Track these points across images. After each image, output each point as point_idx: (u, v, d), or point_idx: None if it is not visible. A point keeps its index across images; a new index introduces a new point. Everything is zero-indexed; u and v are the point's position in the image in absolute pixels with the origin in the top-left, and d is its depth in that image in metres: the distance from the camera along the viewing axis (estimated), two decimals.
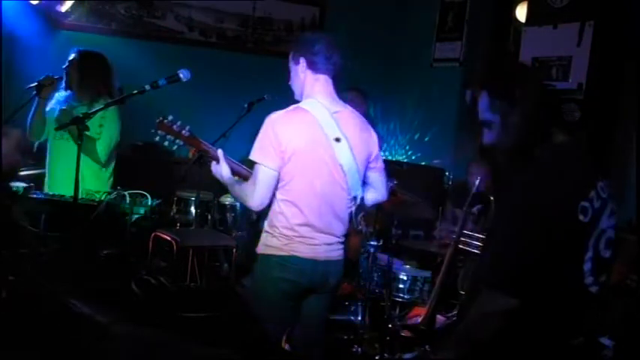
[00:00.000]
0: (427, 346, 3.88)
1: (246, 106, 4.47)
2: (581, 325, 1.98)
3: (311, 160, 2.72)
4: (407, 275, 4.09)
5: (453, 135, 5.94)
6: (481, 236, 3.28)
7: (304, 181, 2.72)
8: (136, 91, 3.13)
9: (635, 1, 4.39)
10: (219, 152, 2.87)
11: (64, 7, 5.56)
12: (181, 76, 3.15)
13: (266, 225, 2.83)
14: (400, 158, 6.57)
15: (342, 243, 2.88)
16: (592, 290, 1.95)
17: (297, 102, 2.88)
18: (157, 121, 2.86)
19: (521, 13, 5.45)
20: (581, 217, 1.89)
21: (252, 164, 2.77)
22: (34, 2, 5.26)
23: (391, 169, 5.70)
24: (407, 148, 6.60)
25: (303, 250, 2.75)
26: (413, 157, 6.50)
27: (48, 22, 5.51)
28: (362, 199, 2.89)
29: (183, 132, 2.87)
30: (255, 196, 2.71)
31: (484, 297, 1.92)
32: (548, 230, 1.84)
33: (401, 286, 4.07)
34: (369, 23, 6.54)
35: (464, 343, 2.00)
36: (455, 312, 4.05)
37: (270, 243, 2.79)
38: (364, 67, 6.55)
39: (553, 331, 1.93)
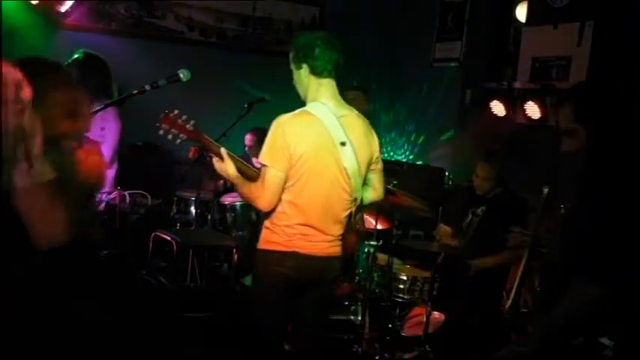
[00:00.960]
0: (427, 347, 3.90)
1: (246, 106, 4.48)
2: None
3: (317, 163, 2.75)
4: (407, 275, 4.09)
5: (453, 135, 5.94)
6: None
7: (309, 183, 2.75)
8: (135, 91, 3.13)
9: (635, 1, 4.39)
10: (223, 150, 2.86)
11: (64, 7, 5.56)
12: (181, 76, 3.15)
13: (266, 221, 2.85)
14: (400, 158, 6.57)
15: (340, 240, 2.91)
16: None
17: (299, 103, 2.89)
18: (162, 114, 2.85)
19: (521, 13, 5.44)
20: None
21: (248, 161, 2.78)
22: (34, 2, 5.26)
23: (391, 169, 5.74)
24: (406, 148, 6.60)
25: (303, 247, 2.79)
26: (412, 157, 6.50)
27: (48, 22, 5.51)
28: (361, 199, 2.94)
29: (187, 126, 2.86)
30: (264, 197, 2.74)
31: (575, 285, 2.12)
32: (632, 225, 2.06)
33: (401, 286, 4.07)
34: (369, 23, 6.55)
35: (553, 333, 2.20)
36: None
37: (271, 239, 2.82)
38: (364, 67, 6.56)
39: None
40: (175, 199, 5.41)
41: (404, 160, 6.51)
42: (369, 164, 2.92)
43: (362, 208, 2.99)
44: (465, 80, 5.87)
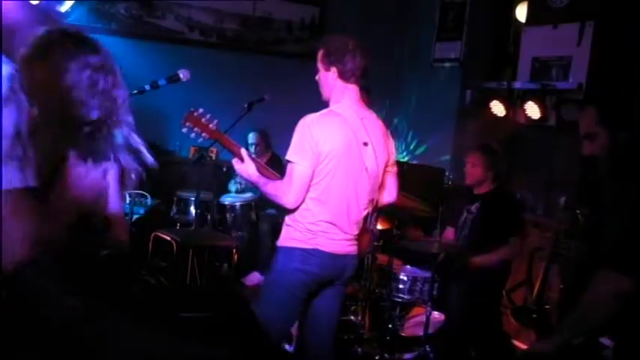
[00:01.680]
0: (427, 347, 3.90)
1: (246, 106, 4.48)
2: None
3: (343, 161, 2.80)
4: (407, 275, 4.09)
5: (453, 135, 5.94)
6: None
7: (334, 181, 2.80)
8: (135, 91, 3.12)
9: (635, 1, 4.39)
10: (243, 150, 2.87)
11: (64, 7, 5.56)
12: (181, 76, 3.15)
13: (288, 219, 2.88)
14: (400, 158, 6.57)
15: (357, 239, 2.96)
16: None
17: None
18: (187, 112, 2.86)
19: (521, 13, 5.45)
20: None
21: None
22: (34, 2, 5.26)
23: None
24: (407, 147, 6.60)
25: (325, 245, 2.83)
26: (413, 157, 6.50)
27: (48, 22, 5.51)
28: (377, 201, 3.01)
29: (211, 125, 2.88)
30: (291, 194, 2.77)
31: (602, 279, 2.17)
32: None
33: (401, 286, 4.07)
34: (369, 23, 6.54)
35: (578, 327, 2.26)
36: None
37: (294, 236, 2.85)
38: None
39: None
40: (175, 199, 5.41)
41: (404, 160, 6.51)
42: (386, 166, 3.00)
43: (377, 209, 3.04)
44: (465, 80, 5.87)
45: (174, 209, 5.38)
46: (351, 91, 2.90)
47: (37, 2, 5.28)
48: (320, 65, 2.92)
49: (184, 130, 2.87)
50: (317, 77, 2.95)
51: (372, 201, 2.94)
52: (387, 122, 6.68)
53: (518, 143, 5.29)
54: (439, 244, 3.97)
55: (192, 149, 5.80)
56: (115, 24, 5.97)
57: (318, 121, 2.79)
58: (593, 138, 2.41)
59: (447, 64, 6.13)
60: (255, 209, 5.63)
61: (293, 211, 2.83)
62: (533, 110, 4.93)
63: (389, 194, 3.10)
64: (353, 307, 4.12)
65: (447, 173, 5.68)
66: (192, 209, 5.27)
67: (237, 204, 5.54)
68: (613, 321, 2.29)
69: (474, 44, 5.91)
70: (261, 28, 6.39)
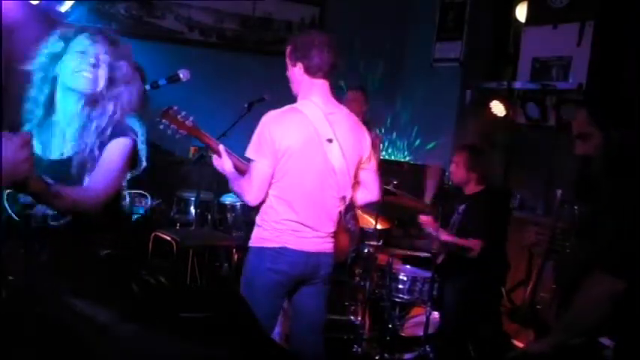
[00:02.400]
0: (427, 347, 3.90)
1: (246, 106, 4.47)
2: None
3: (303, 159, 2.78)
4: (407, 275, 4.09)
5: (453, 135, 5.94)
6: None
7: (296, 179, 2.78)
8: None
9: (635, 1, 4.39)
10: (221, 147, 2.91)
11: (64, 7, 5.56)
12: (181, 76, 3.15)
13: (258, 219, 2.89)
14: (400, 158, 6.57)
15: (332, 238, 2.93)
16: None
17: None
18: (163, 109, 2.87)
19: (521, 13, 5.45)
20: None
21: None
22: (34, 2, 5.26)
23: (391, 169, 5.74)
24: (407, 147, 6.60)
25: (294, 243, 2.81)
26: (413, 157, 6.50)
27: (48, 22, 5.51)
28: (351, 198, 2.94)
29: (187, 122, 2.89)
30: (251, 191, 2.79)
31: (596, 280, 2.21)
32: None
33: (401, 286, 4.07)
34: (369, 23, 6.54)
35: (573, 328, 2.31)
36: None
37: (262, 235, 2.85)
38: (364, 67, 6.56)
39: None
40: (175, 199, 5.40)
41: (404, 160, 6.51)
42: (360, 163, 2.93)
43: (353, 207, 2.99)
44: (465, 80, 5.87)
45: (174, 209, 5.38)
46: (319, 86, 2.86)
47: (37, 2, 5.28)
48: (288, 61, 2.91)
49: (161, 127, 2.89)
50: (287, 74, 2.93)
51: (343, 198, 2.89)
52: (387, 122, 6.70)
53: (518, 143, 5.29)
54: (439, 244, 3.98)
55: (192, 149, 5.79)
56: (115, 24, 5.96)
57: (276, 119, 2.79)
58: (585, 138, 2.43)
59: (447, 64, 6.12)
60: (256, 209, 5.63)
61: (261, 210, 2.85)
62: (533, 110, 4.93)
63: (369, 192, 3.03)
64: (353, 307, 4.12)
65: (447, 173, 5.70)
66: (192, 209, 5.26)
67: (238, 204, 5.53)
68: (608, 321, 2.31)
69: (474, 44, 5.91)
70: (261, 28, 6.39)
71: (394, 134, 6.70)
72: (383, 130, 6.62)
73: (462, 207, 4.23)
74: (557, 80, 4.88)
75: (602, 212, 2.56)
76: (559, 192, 3.71)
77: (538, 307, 3.64)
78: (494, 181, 4.27)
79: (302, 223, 2.81)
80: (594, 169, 2.49)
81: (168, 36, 6.13)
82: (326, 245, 2.90)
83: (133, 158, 2.24)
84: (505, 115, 5.17)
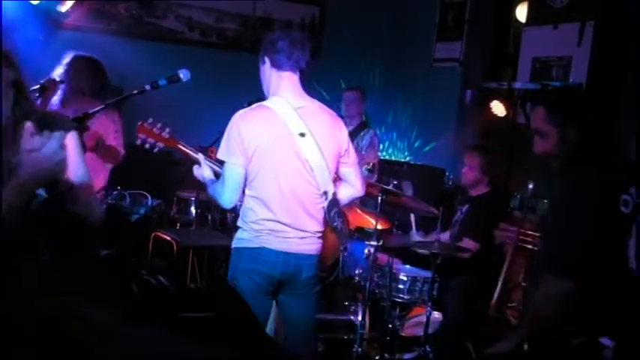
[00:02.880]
0: (427, 347, 3.90)
1: (246, 106, 4.47)
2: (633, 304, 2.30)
3: (274, 156, 2.73)
4: (407, 275, 4.09)
5: (453, 135, 5.94)
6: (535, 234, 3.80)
7: (269, 177, 2.74)
8: (136, 91, 3.12)
9: (635, 1, 4.39)
10: (200, 155, 2.91)
11: (64, 7, 5.56)
12: (181, 76, 3.14)
13: (238, 221, 2.87)
14: (400, 158, 6.57)
15: (318, 238, 2.86)
16: (636, 273, 2.29)
17: None
18: (138, 124, 2.89)
19: (521, 13, 5.44)
20: (622, 209, 2.25)
21: None
22: (34, 2, 5.26)
23: (391, 169, 5.75)
24: (407, 148, 6.60)
25: (273, 243, 2.76)
26: (413, 157, 6.50)
27: (48, 22, 5.51)
28: (334, 194, 2.85)
29: (163, 134, 2.90)
30: (225, 194, 2.75)
31: (547, 282, 2.28)
32: (596, 223, 2.26)
33: (401, 286, 4.07)
34: (369, 23, 6.55)
35: (533, 321, 2.39)
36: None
37: (241, 236, 2.83)
38: (364, 67, 6.56)
39: (605, 310, 2.30)
40: (175, 199, 5.40)
41: (404, 160, 6.51)
42: (338, 157, 2.86)
43: (338, 203, 2.88)
44: (465, 80, 5.87)
45: (175, 209, 5.38)
46: (286, 79, 2.81)
47: (37, 2, 5.29)
48: (259, 64, 2.89)
49: (138, 142, 2.90)
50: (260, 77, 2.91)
51: (324, 194, 2.81)
52: (387, 122, 6.70)
53: (518, 143, 5.29)
54: (439, 244, 3.97)
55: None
56: (115, 24, 5.97)
57: (243, 118, 2.75)
58: (543, 135, 2.46)
59: (447, 64, 6.12)
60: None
61: (240, 212, 2.83)
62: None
63: (353, 187, 2.96)
64: (353, 307, 4.11)
65: (447, 173, 5.70)
66: (193, 209, 5.26)
67: (238, 204, 5.53)
68: (608, 321, 2.33)
69: (474, 44, 5.91)
70: (261, 28, 6.39)
71: (394, 134, 6.70)
72: (384, 129, 6.62)
73: (465, 207, 4.22)
74: (557, 80, 4.88)
75: (552, 212, 2.63)
76: (530, 185, 3.68)
77: (510, 304, 3.66)
78: (497, 182, 4.26)
79: (280, 222, 2.75)
80: (552, 167, 2.51)
81: (168, 36, 6.13)
82: (308, 246, 2.82)
83: None
84: (505, 115, 5.17)
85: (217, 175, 2.88)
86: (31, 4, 5.23)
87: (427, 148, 6.35)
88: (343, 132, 2.91)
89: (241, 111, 2.80)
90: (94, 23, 5.81)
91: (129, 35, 5.92)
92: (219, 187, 2.78)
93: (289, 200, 2.76)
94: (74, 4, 5.60)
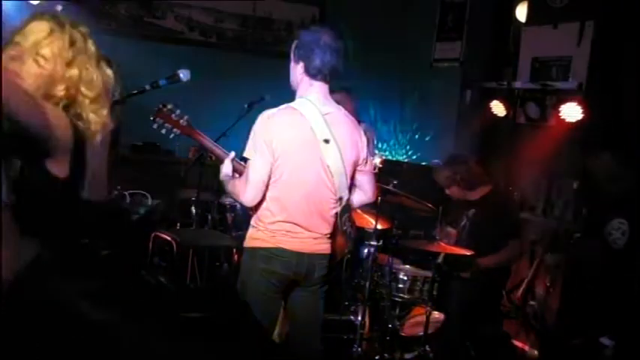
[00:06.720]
0: (427, 347, 3.90)
1: (246, 106, 4.48)
2: None
3: (299, 159, 2.75)
4: (407, 275, 4.09)
5: (453, 135, 5.94)
6: None
7: (291, 179, 2.75)
8: (136, 91, 3.13)
9: (636, 1, 4.39)
10: (219, 148, 2.93)
11: (64, 7, 5.56)
12: (181, 76, 3.15)
13: (252, 220, 2.87)
14: (400, 158, 6.57)
15: (328, 238, 2.90)
16: None
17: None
18: (157, 108, 2.87)
19: (521, 13, 5.45)
20: None
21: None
22: (34, 2, 5.26)
23: (391, 169, 5.74)
24: (407, 147, 6.60)
25: (288, 243, 2.78)
26: (413, 157, 6.50)
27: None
28: (348, 200, 2.90)
29: (181, 121, 2.89)
30: (248, 191, 2.75)
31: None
32: None
33: (401, 286, 4.07)
34: (369, 23, 6.55)
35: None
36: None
37: (256, 236, 2.83)
38: (364, 67, 6.56)
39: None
40: (175, 199, 5.41)
41: (404, 160, 6.51)
42: (356, 164, 2.90)
43: (350, 209, 2.94)
44: (465, 80, 5.87)
45: (175, 209, 5.38)
46: (317, 87, 2.82)
47: (37, 2, 5.28)
48: (291, 56, 2.87)
49: (155, 126, 2.89)
50: (290, 67, 2.90)
51: (340, 199, 2.86)
52: (387, 122, 6.70)
53: (518, 143, 5.29)
54: (441, 244, 3.97)
55: (192, 149, 5.80)
56: (115, 24, 5.97)
57: (273, 118, 2.75)
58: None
59: (447, 64, 6.12)
60: (255, 209, 5.62)
61: (256, 211, 2.82)
62: (533, 110, 4.93)
63: (364, 194, 3.01)
64: (353, 307, 4.11)
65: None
66: (193, 209, 5.26)
67: (238, 204, 5.53)
68: (608, 321, 2.33)
69: (474, 44, 5.91)
70: (261, 28, 6.40)
71: (394, 134, 6.70)
72: (384, 129, 6.62)
73: (471, 211, 4.22)
74: (557, 80, 4.88)
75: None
76: (574, 184, 3.69)
77: (532, 302, 3.68)
78: (498, 182, 4.26)
79: (296, 224, 2.78)
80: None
81: (168, 36, 6.14)
82: (321, 246, 2.86)
83: None
84: (505, 115, 5.17)
85: (235, 170, 2.89)
86: (31, 4, 5.23)
87: (427, 148, 6.35)
88: (363, 140, 2.95)
89: (269, 111, 2.79)
90: (94, 23, 5.81)
91: (129, 35, 5.92)
92: (242, 185, 2.77)
93: (307, 204, 2.79)
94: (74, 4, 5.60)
